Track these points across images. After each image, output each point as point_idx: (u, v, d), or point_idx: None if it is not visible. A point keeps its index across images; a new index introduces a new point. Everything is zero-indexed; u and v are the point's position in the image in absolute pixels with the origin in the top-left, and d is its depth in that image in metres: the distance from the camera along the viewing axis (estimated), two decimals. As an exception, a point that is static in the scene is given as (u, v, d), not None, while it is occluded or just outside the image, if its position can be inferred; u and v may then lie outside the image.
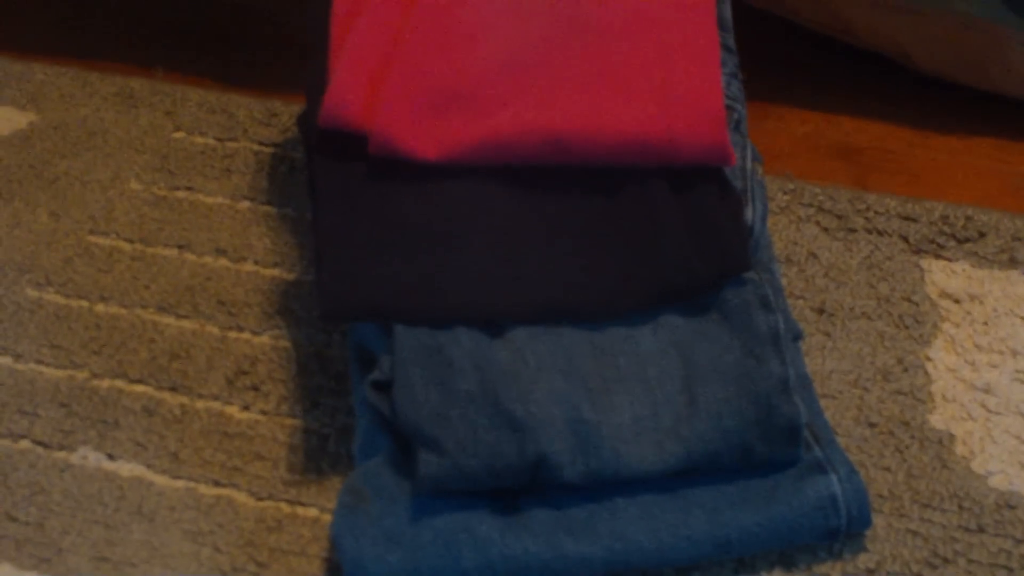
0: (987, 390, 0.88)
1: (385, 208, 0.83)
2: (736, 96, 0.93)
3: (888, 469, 0.84)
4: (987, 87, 1.10)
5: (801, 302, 0.93)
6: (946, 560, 0.79)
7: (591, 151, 0.83)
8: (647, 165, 0.84)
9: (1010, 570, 0.78)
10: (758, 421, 0.78)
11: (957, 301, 0.93)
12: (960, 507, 0.81)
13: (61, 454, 0.85)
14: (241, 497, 0.83)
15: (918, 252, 0.97)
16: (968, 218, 0.98)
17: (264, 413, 0.87)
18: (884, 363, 0.89)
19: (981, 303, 0.93)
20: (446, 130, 0.84)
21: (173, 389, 0.89)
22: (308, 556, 0.80)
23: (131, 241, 1.00)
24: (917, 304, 0.93)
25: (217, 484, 0.84)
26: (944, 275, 0.95)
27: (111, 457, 0.85)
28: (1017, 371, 0.89)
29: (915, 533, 0.80)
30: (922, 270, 0.95)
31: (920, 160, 1.07)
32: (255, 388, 0.89)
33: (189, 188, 1.04)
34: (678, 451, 0.77)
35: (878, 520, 0.81)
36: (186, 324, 0.93)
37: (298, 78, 0.92)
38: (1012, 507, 0.81)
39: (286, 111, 1.11)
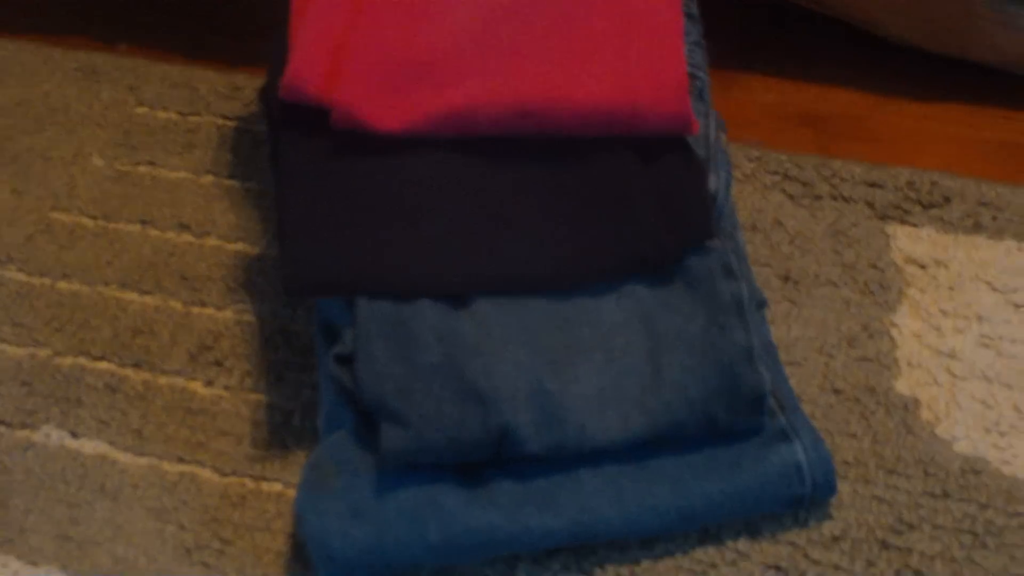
0: (952, 355, 0.88)
1: (348, 181, 0.82)
2: (699, 64, 0.92)
3: (854, 436, 0.84)
4: (956, 54, 1.10)
5: (767, 269, 0.93)
6: (911, 526, 0.79)
7: (554, 121, 0.83)
8: (610, 135, 0.84)
9: (975, 535, 0.79)
10: (722, 390, 0.78)
11: (922, 267, 0.93)
12: (925, 473, 0.82)
13: (24, 433, 0.85)
14: (205, 473, 0.83)
15: (884, 218, 0.97)
16: (933, 184, 0.98)
17: (228, 388, 0.87)
18: (849, 329, 0.89)
19: (946, 268, 0.93)
20: (409, 102, 0.83)
21: (136, 366, 0.89)
22: (273, 532, 0.80)
23: (94, 217, 0.99)
24: (882, 270, 0.93)
25: (181, 461, 0.83)
26: (909, 241, 0.95)
27: (74, 435, 0.85)
28: (982, 336, 0.89)
29: (880, 499, 0.80)
30: (888, 236, 0.95)
31: (886, 127, 1.07)
32: (219, 363, 0.88)
33: (152, 163, 1.04)
34: (642, 421, 0.77)
35: (844, 487, 0.81)
36: (149, 300, 0.93)
37: (261, 52, 0.92)
38: (977, 472, 0.81)
39: (249, 85, 1.10)
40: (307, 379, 0.87)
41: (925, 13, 1.06)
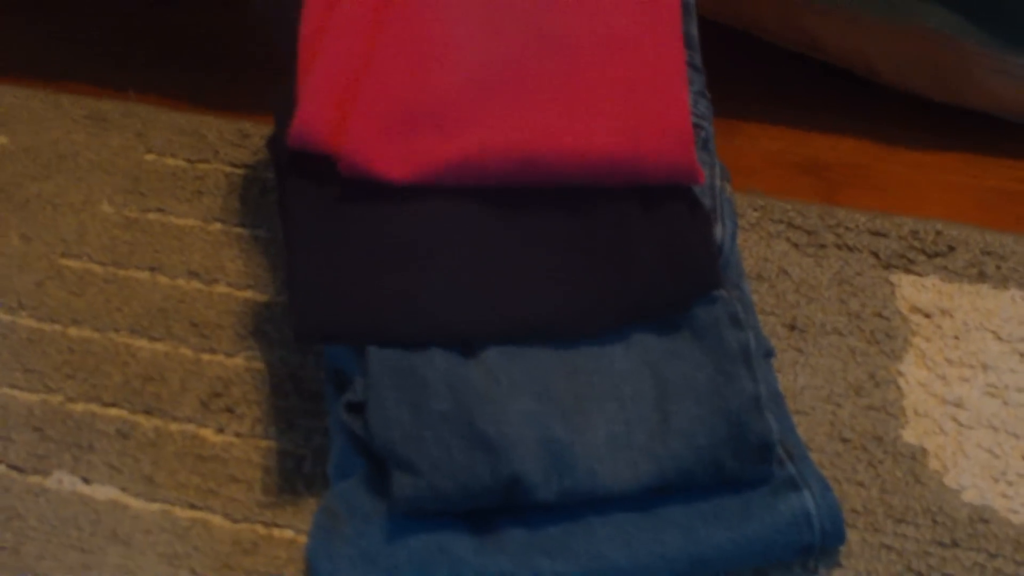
0: (959, 404, 0.88)
1: (356, 229, 0.82)
2: (704, 114, 0.93)
3: (862, 484, 0.84)
4: (955, 101, 1.10)
5: (772, 318, 0.94)
6: (920, 574, 0.79)
7: (559, 171, 0.83)
8: (616, 184, 0.84)
9: (983, 583, 0.79)
10: (730, 438, 0.78)
11: (928, 315, 0.94)
12: (934, 521, 0.82)
13: (36, 478, 0.85)
14: (216, 520, 0.83)
15: (888, 267, 0.97)
16: (938, 232, 0.99)
17: (239, 435, 0.87)
18: (856, 378, 0.90)
19: (951, 317, 0.93)
20: (415, 151, 0.83)
21: (147, 412, 0.89)
22: (284, 578, 0.80)
23: (103, 264, 1.00)
24: (888, 319, 0.93)
25: (192, 507, 0.84)
26: (914, 290, 0.95)
27: (86, 481, 0.85)
28: (988, 385, 0.89)
29: (889, 548, 0.81)
30: (892, 285, 0.96)
31: (889, 175, 1.07)
32: (229, 410, 0.89)
33: (161, 210, 1.04)
34: (651, 469, 0.77)
35: (852, 535, 0.81)
36: (159, 347, 0.93)
37: (269, 99, 0.92)
38: (985, 521, 0.82)
39: (257, 132, 1.10)
40: (317, 425, 0.87)
41: (924, 62, 1.07)
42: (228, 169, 1.08)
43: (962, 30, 1.02)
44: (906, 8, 1.03)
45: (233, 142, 1.10)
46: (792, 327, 0.93)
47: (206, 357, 0.92)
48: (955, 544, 0.81)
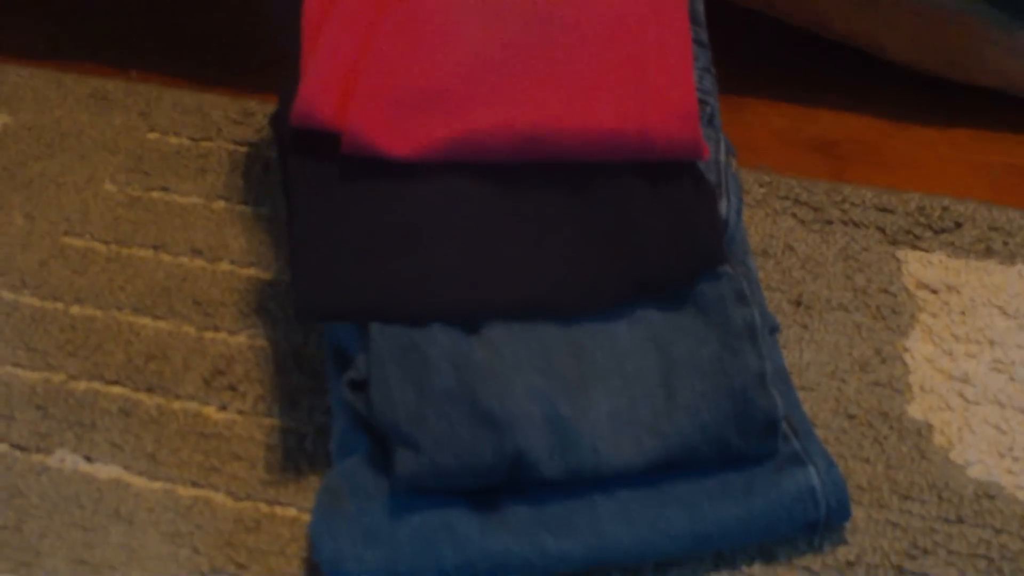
0: (965, 380, 0.88)
1: (359, 207, 0.82)
2: (709, 90, 0.93)
3: (867, 460, 0.84)
4: (963, 79, 1.10)
5: (778, 295, 0.93)
6: (926, 551, 0.79)
7: (564, 147, 0.83)
8: (621, 160, 0.84)
9: (990, 560, 0.79)
10: (735, 415, 0.78)
11: (934, 291, 0.93)
12: (939, 498, 0.82)
13: (38, 457, 0.85)
14: (219, 498, 0.83)
15: (895, 243, 0.97)
16: (944, 209, 0.99)
17: (241, 413, 0.87)
18: (862, 354, 0.89)
19: (958, 293, 0.93)
20: (419, 128, 0.83)
21: (150, 390, 0.89)
22: (287, 556, 0.80)
23: (106, 242, 0.99)
24: (894, 295, 0.93)
25: (195, 485, 0.83)
26: (921, 266, 0.95)
27: (88, 459, 0.85)
28: (994, 360, 0.89)
29: (895, 524, 0.80)
30: (899, 261, 0.95)
31: (897, 152, 1.07)
32: (232, 388, 0.88)
33: (164, 188, 1.04)
34: (656, 446, 0.77)
35: (857, 512, 0.81)
36: (162, 325, 0.93)
37: (272, 78, 0.92)
38: (991, 497, 0.81)
39: (260, 110, 1.10)
40: (320, 403, 0.87)
41: (932, 39, 1.06)
42: (231, 147, 1.08)
43: (973, 7, 1.02)
44: (913, -17, 1.03)
45: (236, 120, 1.10)
46: (798, 303, 0.93)
47: (209, 335, 0.92)
48: (961, 520, 0.80)
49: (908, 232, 0.97)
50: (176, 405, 0.88)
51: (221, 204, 1.02)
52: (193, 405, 0.88)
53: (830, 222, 0.98)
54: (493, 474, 0.75)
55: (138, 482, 0.84)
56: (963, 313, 0.92)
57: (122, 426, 0.87)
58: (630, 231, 0.83)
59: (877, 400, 0.87)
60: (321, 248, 0.81)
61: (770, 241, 0.97)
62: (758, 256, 0.96)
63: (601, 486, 0.77)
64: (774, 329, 0.86)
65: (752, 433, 0.78)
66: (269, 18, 0.94)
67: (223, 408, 0.88)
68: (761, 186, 1.01)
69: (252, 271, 0.97)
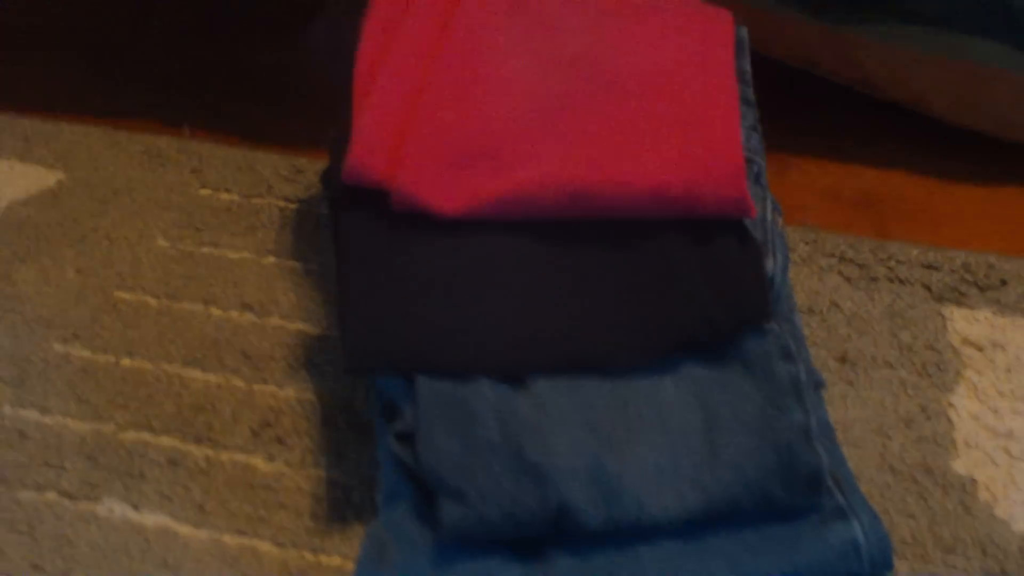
0: (1010, 436, 0.88)
1: (408, 262, 0.83)
2: (756, 149, 0.93)
3: (911, 515, 0.83)
4: (1008, 136, 1.10)
5: (823, 351, 0.93)
6: (970, 606, 0.79)
7: (611, 205, 0.84)
8: (667, 217, 0.84)
9: (1034, 615, 0.79)
10: (780, 469, 0.78)
11: (980, 349, 0.93)
12: (984, 552, 0.81)
13: (86, 505, 0.86)
14: (265, 546, 0.83)
15: (940, 300, 0.97)
16: (990, 266, 0.99)
17: (289, 465, 0.88)
18: (907, 411, 0.89)
19: (1004, 350, 0.93)
20: (468, 185, 0.84)
21: (198, 441, 0.89)
22: (332, 605, 0.80)
23: (158, 296, 1.00)
24: (940, 352, 0.93)
25: (241, 533, 0.84)
26: (966, 323, 0.95)
27: (136, 508, 0.85)
28: (1039, 418, 0.89)
29: (939, 579, 0.80)
30: (944, 318, 0.95)
31: (941, 209, 1.07)
32: (280, 440, 0.89)
33: (215, 244, 1.05)
34: (699, 499, 0.77)
35: (901, 566, 0.81)
36: (211, 378, 0.94)
37: (323, 135, 0.93)
38: (1035, 553, 0.81)
39: (311, 168, 1.11)
40: (367, 456, 0.87)
41: (977, 97, 1.07)
42: (282, 204, 1.09)
43: (1013, 64, 1.02)
44: (958, 43, 1.03)
45: (287, 177, 1.11)
46: (843, 360, 0.93)
47: (257, 388, 0.93)
48: (1005, 575, 0.80)
49: (954, 289, 0.97)
50: (224, 456, 0.88)
51: (271, 260, 1.03)
52: (241, 457, 0.88)
53: (875, 279, 0.98)
54: (537, 525, 0.75)
55: (185, 531, 0.84)
56: (1008, 370, 0.92)
57: (171, 476, 0.87)
58: (676, 287, 0.83)
59: (922, 456, 0.87)
60: (370, 301, 0.82)
61: (816, 298, 0.97)
62: (804, 313, 0.96)
63: (645, 538, 0.77)
64: (819, 385, 0.86)
65: (796, 487, 0.78)
66: (321, 74, 0.95)
67: (271, 459, 0.88)
68: (806, 244, 1.01)
69: (301, 326, 0.98)
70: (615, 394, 0.81)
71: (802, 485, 0.78)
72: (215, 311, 0.99)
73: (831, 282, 0.99)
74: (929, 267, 0.99)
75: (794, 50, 1.14)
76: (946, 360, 0.93)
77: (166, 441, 0.90)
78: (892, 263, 0.99)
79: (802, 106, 1.18)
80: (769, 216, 0.91)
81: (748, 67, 0.97)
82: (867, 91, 1.13)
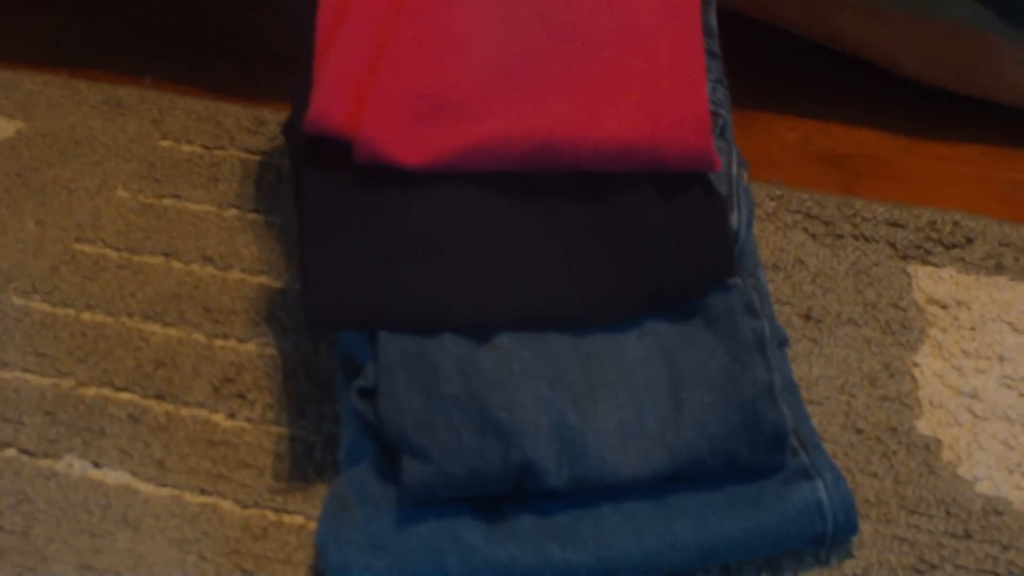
0: (974, 396, 0.88)
1: (370, 216, 0.82)
2: (721, 102, 0.93)
3: (875, 475, 0.83)
4: (976, 94, 1.10)
5: (788, 308, 0.93)
6: (933, 566, 0.79)
7: (576, 157, 0.83)
8: (632, 171, 0.84)
9: (997, 575, 0.78)
10: (743, 427, 0.78)
11: (944, 307, 0.93)
12: (947, 513, 0.81)
13: (46, 462, 0.85)
14: (227, 505, 0.83)
15: (905, 258, 0.97)
16: (955, 224, 0.98)
17: (250, 421, 0.87)
18: (871, 369, 0.89)
19: (968, 309, 0.93)
20: (432, 137, 0.83)
21: (159, 397, 0.89)
22: (294, 564, 0.80)
23: (118, 249, 1.00)
24: (904, 310, 0.93)
25: (203, 492, 0.83)
26: (931, 281, 0.95)
27: (96, 465, 0.85)
28: (1004, 376, 0.89)
29: (902, 539, 0.80)
30: (909, 276, 0.95)
31: (908, 167, 1.07)
32: (241, 396, 0.89)
33: (176, 196, 1.04)
34: (663, 457, 0.77)
35: (865, 526, 0.81)
36: (172, 332, 0.93)
37: (285, 87, 0.92)
38: (999, 513, 0.81)
39: (273, 119, 1.10)
40: (329, 412, 0.87)
41: (945, 54, 1.06)
42: (244, 156, 1.08)
43: (988, 22, 1.02)
44: (931, 2, 1.03)
45: (249, 129, 1.10)
46: (807, 317, 0.93)
47: (219, 343, 0.92)
48: (968, 536, 0.80)
49: (919, 247, 0.97)
50: (185, 412, 0.88)
51: (233, 212, 1.03)
52: (202, 412, 0.88)
53: (841, 236, 0.98)
54: (500, 483, 0.75)
55: (146, 488, 0.84)
56: (973, 329, 0.92)
57: (131, 432, 0.87)
58: (641, 242, 0.83)
59: (886, 415, 0.87)
60: (331, 256, 0.81)
61: (780, 255, 0.97)
62: (768, 269, 0.96)
63: (608, 497, 0.77)
64: (783, 342, 0.86)
65: (760, 445, 0.78)
66: (283, 26, 0.94)
67: (232, 416, 0.88)
68: (772, 200, 1.01)
69: (263, 279, 0.97)
70: (579, 350, 0.80)
71: (766, 443, 0.78)
72: (176, 264, 0.98)
73: (796, 239, 0.98)
74: (894, 224, 0.99)
75: (763, 5, 1.13)
76: (910, 318, 0.93)
77: (126, 397, 0.89)
78: (857, 220, 0.99)
79: (770, 61, 1.18)
80: (734, 171, 0.90)
81: (714, 19, 0.96)
82: (835, 46, 1.12)
